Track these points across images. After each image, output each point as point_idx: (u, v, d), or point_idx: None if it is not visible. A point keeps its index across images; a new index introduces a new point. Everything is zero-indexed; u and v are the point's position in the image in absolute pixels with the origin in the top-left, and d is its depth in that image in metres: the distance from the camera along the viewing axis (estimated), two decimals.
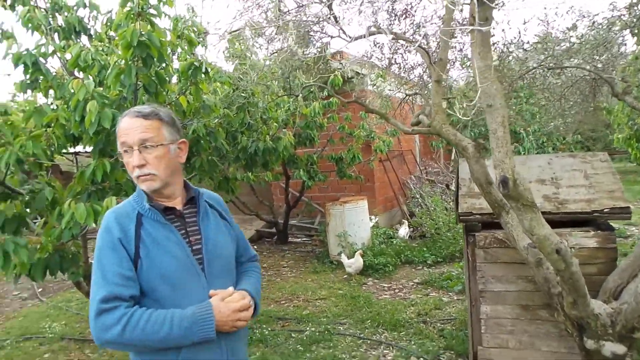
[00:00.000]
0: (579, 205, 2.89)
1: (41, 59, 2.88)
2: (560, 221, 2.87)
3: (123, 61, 2.69)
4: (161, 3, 2.85)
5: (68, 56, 3.32)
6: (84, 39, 3.88)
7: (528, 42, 3.69)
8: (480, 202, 3.13)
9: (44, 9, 3.56)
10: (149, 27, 2.61)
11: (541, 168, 3.26)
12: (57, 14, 3.59)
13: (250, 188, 7.78)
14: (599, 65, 3.67)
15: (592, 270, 2.76)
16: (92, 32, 3.90)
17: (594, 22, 3.51)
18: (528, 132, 9.03)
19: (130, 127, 1.44)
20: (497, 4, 1.85)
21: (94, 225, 2.86)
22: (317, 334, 4.17)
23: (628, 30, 4.01)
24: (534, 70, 3.81)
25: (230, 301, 1.44)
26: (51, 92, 3.24)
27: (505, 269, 3.02)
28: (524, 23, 3.52)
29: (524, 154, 9.16)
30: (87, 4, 3.80)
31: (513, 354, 3.03)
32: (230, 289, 1.49)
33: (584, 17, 3.51)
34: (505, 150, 2.07)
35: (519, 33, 3.60)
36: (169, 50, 3.07)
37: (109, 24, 3.85)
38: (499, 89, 2.03)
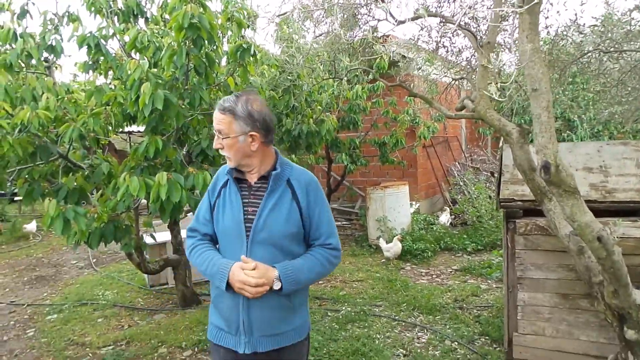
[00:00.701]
0: (628, 194, 2.80)
1: (102, 40, 3.06)
2: (607, 210, 2.80)
3: (175, 43, 2.82)
4: None
5: (126, 38, 3.52)
6: (141, 21, 4.07)
7: (585, 25, 3.54)
8: (522, 188, 3.09)
9: None
10: (200, 9, 2.72)
11: (589, 155, 3.17)
12: None
13: None
14: None
15: (637, 261, 2.69)
16: (148, 15, 4.09)
17: None
18: (583, 120, 8.63)
19: (215, 118, 1.75)
20: None
21: (144, 200, 3.06)
22: (353, 314, 4.27)
23: None
24: (589, 55, 3.66)
25: (246, 272, 1.65)
26: (110, 73, 3.44)
27: (545, 257, 2.98)
28: (582, 4, 3.38)
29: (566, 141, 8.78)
30: None
31: (549, 342, 3.00)
32: (251, 263, 1.65)
33: None
34: (549, 135, 2.05)
35: (575, 15, 3.46)
36: (219, 33, 3.18)
37: (164, 7, 4.02)
38: (545, 73, 2.00)
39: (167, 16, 4.07)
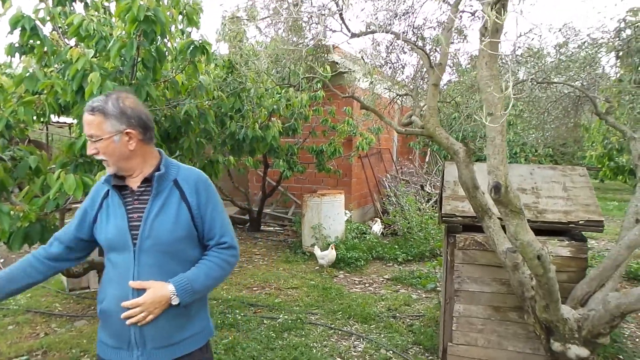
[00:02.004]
0: (557, 215, 3.04)
1: (39, 23, 2.78)
2: (539, 229, 3.02)
3: (124, 34, 2.64)
4: None
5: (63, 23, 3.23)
6: (78, 6, 3.78)
7: (521, 55, 3.81)
8: (463, 205, 3.25)
9: None
10: (154, 1, 2.57)
11: (523, 177, 3.40)
12: None
13: (227, 173, 7.73)
14: (584, 84, 3.84)
15: (563, 277, 2.92)
16: (88, 0, 3.80)
17: (584, 42, 3.67)
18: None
19: (84, 122, 1.63)
20: (512, 15, 1.92)
21: (79, 197, 2.82)
22: (290, 322, 4.23)
23: (613, 53, 4.21)
24: (522, 83, 3.95)
25: (141, 299, 1.59)
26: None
27: (481, 271, 3.15)
28: (519, 36, 3.64)
29: None
30: None
31: (480, 352, 3.17)
32: (147, 283, 1.60)
33: (575, 35, 3.66)
34: (501, 158, 2.17)
35: (514, 46, 3.72)
36: (171, 27, 3.03)
37: None
38: (501, 99, 2.12)
39: (106, 3, 3.83)
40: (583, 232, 3.06)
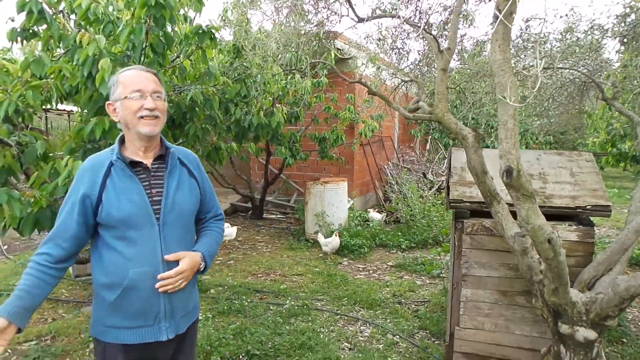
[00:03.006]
0: (564, 200, 3.05)
1: (46, 6, 2.76)
2: (546, 214, 3.02)
3: (134, 19, 2.62)
4: None
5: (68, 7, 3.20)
6: None
7: (528, 40, 3.79)
8: (470, 190, 3.26)
9: None
10: None
11: (530, 163, 3.41)
12: None
13: (229, 161, 7.72)
14: (590, 70, 3.83)
15: (570, 261, 2.93)
16: None
17: (590, 27, 3.65)
18: None
19: (144, 78, 1.66)
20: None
21: None
22: (296, 307, 4.26)
23: (618, 39, 4.20)
24: (529, 68, 3.93)
25: (179, 267, 1.68)
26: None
27: (489, 256, 3.17)
28: (526, 21, 3.62)
29: (495, 147, 9.43)
30: None
31: (488, 336, 3.20)
32: (177, 254, 1.68)
33: (581, 21, 3.64)
34: (513, 142, 2.17)
35: (520, 30, 3.70)
36: (181, 12, 3.00)
37: None
38: (514, 83, 2.11)
39: None
40: (590, 217, 3.07)
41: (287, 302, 4.40)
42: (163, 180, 1.70)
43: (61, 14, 3.25)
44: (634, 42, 4.09)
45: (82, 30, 2.78)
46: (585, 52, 3.77)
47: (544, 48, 3.85)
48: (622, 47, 4.21)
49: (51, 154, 3.06)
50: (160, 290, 1.64)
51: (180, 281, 1.67)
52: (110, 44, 2.81)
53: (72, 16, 3.75)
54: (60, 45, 3.12)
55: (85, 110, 3.15)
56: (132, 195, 1.63)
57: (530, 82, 4.29)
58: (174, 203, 1.69)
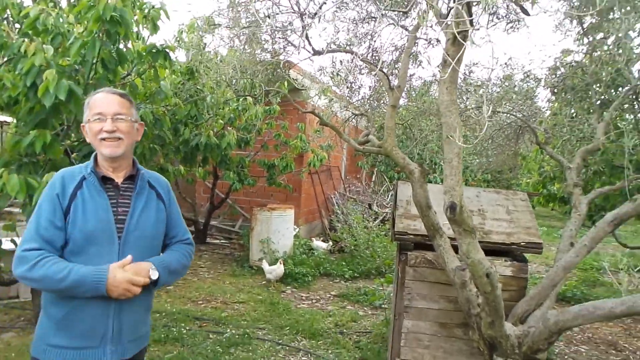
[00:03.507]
0: (501, 237, 3.22)
1: None
2: (484, 249, 3.17)
3: (86, 32, 2.55)
4: None
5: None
6: None
7: (470, 84, 4.04)
8: (415, 223, 3.36)
9: None
10: (121, 2, 2.51)
11: (470, 199, 3.58)
12: None
13: (174, 183, 7.52)
14: (525, 115, 4.13)
15: (505, 296, 3.06)
16: None
17: (527, 76, 3.96)
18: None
19: (108, 101, 1.69)
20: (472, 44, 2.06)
21: (22, 199, 2.65)
22: (237, 337, 4.14)
23: (548, 89, 4.57)
24: (470, 110, 4.18)
25: (127, 270, 1.63)
26: None
27: (430, 288, 3.26)
28: (470, 66, 3.87)
29: (438, 183, 9.83)
30: None
31: None
32: (129, 257, 1.66)
33: (519, 71, 3.94)
34: (457, 179, 2.28)
35: (464, 73, 3.94)
36: (135, 29, 2.95)
37: None
38: (459, 123, 2.24)
39: None
40: (524, 254, 3.25)
41: (228, 330, 4.28)
42: (130, 200, 1.73)
43: (5, 22, 3.10)
44: (564, 93, 4.47)
45: (27, 40, 2.66)
46: (522, 98, 4.07)
47: (485, 92, 4.11)
48: (553, 97, 4.59)
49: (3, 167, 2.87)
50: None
51: (124, 287, 1.60)
52: (59, 56, 2.70)
53: (17, 25, 3.60)
54: (1, 53, 2.97)
55: (23, 123, 2.99)
56: (98, 210, 1.65)
57: (472, 123, 4.55)
58: (137, 224, 1.71)
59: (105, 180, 1.70)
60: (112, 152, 1.67)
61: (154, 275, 1.69)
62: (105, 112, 1.66)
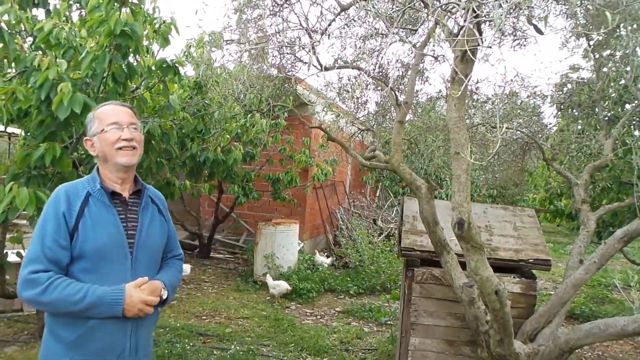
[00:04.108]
0: (509, 253, 3.19)
1: (4, 26, 2.66)
2: (492, 266, 3.14)
3: (96, 46, 2.58)
4: None
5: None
6: (40, 11, 3.68)
7: (477, 100, 4.05)
8: (421, 239, 3.34)
9: None
10: (132, 16, 2.55)
11: (477, 215, 3.56)
12: None
13: (180, 196, 7.53)
14: (532, 131, 4.13)
15: (513, 313, 3.02)
16: (50, 7, 3.70)
17: (533, 93, 3.97)
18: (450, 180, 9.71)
19: (121, 112, 1.72)
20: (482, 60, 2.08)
21: (31, 212, 2.66)
22: (241, 353, 4.10)
23: (555, 106, 4.58)
24: (477, 126, 4.18)
25: (143, 290, 1.63)
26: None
27: (437, 305, 3.22)
28: (477, 82, 3.88)
29: (444, 199, 9.81)
30: None
31: None
32: (146, 278, 1.67)
33: (526, 87, 3.95)
34: (465, 195, 2.27)
35: (470, 89, 3.95)
36: (145, 43, 2.99)
37: (68, 1, 3.70)
38: (467, 139, 2.24)
39: (68, 13, 3.75)
40: (532, 270, 3.22)
41: (232, 347, 4.23)
42: (138, 215, 1.72)
43: (19, 35, 3.15)
44: (570, 110, 4.47)
45: (41, 53, 2.70)
46: (528, 115, 4.07)
47: (498, 111, 4.12)
48: (560, 113, 4.59)
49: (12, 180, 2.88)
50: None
51: (140, 305, 1.61)
52: (70, 70, 2.74)
53: (29, 38, 3.66)
54: (13, 66, 3.01)
55: (33, 136, 3.01)
56: (108, 226, 1.63)
57: (479, 140, 4.55)
58: (147, 238, 1.71)
59: (112, 196, 1.69)
60: (129, 160, 1.67)
61: (165, 294, 1.71)
62: (121, 122, 1.67)
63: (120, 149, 1.65)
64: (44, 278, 1.51)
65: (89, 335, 1.58)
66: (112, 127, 1.66)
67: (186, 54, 4.90)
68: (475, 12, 1.61)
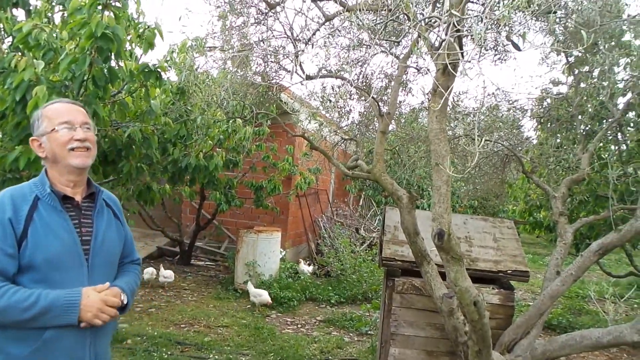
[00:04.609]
0: (488, 264, 3.22)
1: None
2: (471, 277, 3.16)
3: (77, 48, 2.54)
4: None
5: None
6: (20, 12, 3.63)
7: (459, 112, 4.10)
8: (402, 249, 3.35)
9: None
10: (114, 20, 2.52)
11: (457, 226, 3.59)
12: None
13: (160, 202, 7.43)
14: (512, 144, 4.19)
15: (492, 324, 3.04)
16: (31, 7, 3.65)
17: (513, 107, 4.04)
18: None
19: (73, 110, 1.61)
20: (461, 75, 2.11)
21: None
22: None
23: (534, 120, 4.67)
24: (458, 138, 4.23)
25: (100, 291, 1.55)
26: None
27: (417, 315, 3.23)
28: (458, 95, 3.94)
29: (426, 209, 9.87)
30: None
31: None
32: (107, 283, 1.59)
33: (507, 101, 4.02)
34: (445, 206, 2.29)
35: (452, 102, 4.00)
36: (127, 47, 2.96)
37: (50, 2, 3.66)
38: (448, 151, 2.26)
39: (49, 14, 3.70)
40: (510, 281, 3.25)
41: (210, 356, 4.17)
42: (92, 220, 1.63)
43: None
44: (549, 124, 4.56)
45: (19, 54, 2.65)
46: (508, 128, 4.13)
47: (477, 123, 4.18)
48: (539, 126, 4.68)
49: None
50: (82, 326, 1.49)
51: (97, 311, 1.51)
52: (49, 72, 2.69)
53: (8, 39, 3.59)
54: None
55: (9, 138, 2.95)
56: (60, 232, 1.52)
57: (460, 151, 4.60)
58: (102, 244, 1.62)
59: (63, 200, 1.57)
60: (83, 162, 1.57)
61: (125, 299, 1.62)
62: (73, 121, 1.57)
63: (72, 149, 1.55)
64: None
65: (44, 349, 1.45)
66: (63, 127, 1.55)
67: (168, 59, 4.87)
68: (456, 26, 1.64)
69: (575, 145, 4.17)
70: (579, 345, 2.66)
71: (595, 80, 3.85)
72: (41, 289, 1.45)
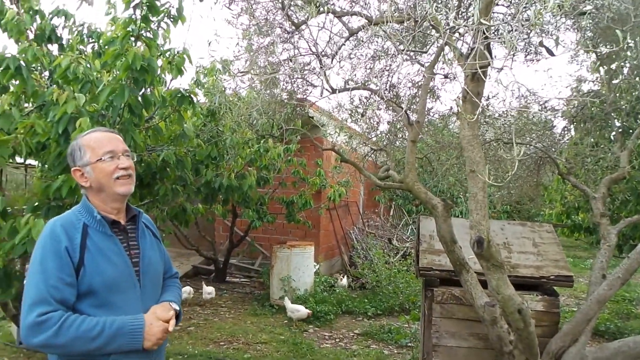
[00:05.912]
0: (529, 270, 3.14)
1: (23, 63, 2.75)
2: (513, 284, 3.09)
3: (113, 79, 2.65)
4: (163, 19, 2.88)
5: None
6: (54, 47, 3.80)
7: (490, 116, 4.05)
8: (439, 258, 3.31)
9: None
10: (148, 51, 2.62)
11: (495, 232, 3.52)
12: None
13: (194, 222, 7.56)
14: (545, 146, 4.10)
15: (537, 332, 2.96)
16: (64, 41, 3.83)
17: (544, 107, 3.96)
18: (466, 197, 9.63)
19: (113, 139, 1.66)
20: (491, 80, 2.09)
21: None
22: None
23: (566, 120, 4.55)
24: (490, 143, 4.17)
25: (161, 319, 1.60)
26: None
27: (458, 325, 3.16)
28: (487, 99, 3.89)
29: (459, 216, 9.71)
30: (62, 12, 3.75)
31: None
32: (171, 312, 1.65)
33: (537, 102, 3.94)
34: (483, 214, 2.26)
35: (482, 106, 3.95)
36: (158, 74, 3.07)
37: (81, 35, 3.84)
38: (482, 157, 2.24)
39: (81, 47, 3.86)
40: (554, 287, 3.16)
41: None
42: (137, 242, 1.69)
43: (36, 71, 3.25)
44: (583, 123, 4.44)
45: (57, 87, 2.78)
46: (541, 129, 4.05)
47: (504, 124, 4.11)
48: (572, 126, 4.56)
49: (9, 209, 2.93)
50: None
51: (160, 338, 1.58)
52: (87, 103, 2.81)
53: (45, 73, 3.77)
54: (30, 100, 3.10)
55: (49, 168, 3.08)
56: (113, 257, 1.57)
57: (492, 156, 4.53)
58: (149, 264, 1.69)
59: (111, 224, 1.62)
60: (128, 189, 1.63)
61: (175, 307, 1.71)
62: (116, 150, 1.61)
63: (118, 178, 1.59)
64: (55, 318, 1.42)
65: None
66: (108, 156, 1.59)
67: (196, 81, 5.00)
68: (485, 33, 1.63)
69: (612, 144, 4.04)
70: (633, 352, 2.55)
71: (627, 76, 3.73)
72: (105, 317, 1.49)
